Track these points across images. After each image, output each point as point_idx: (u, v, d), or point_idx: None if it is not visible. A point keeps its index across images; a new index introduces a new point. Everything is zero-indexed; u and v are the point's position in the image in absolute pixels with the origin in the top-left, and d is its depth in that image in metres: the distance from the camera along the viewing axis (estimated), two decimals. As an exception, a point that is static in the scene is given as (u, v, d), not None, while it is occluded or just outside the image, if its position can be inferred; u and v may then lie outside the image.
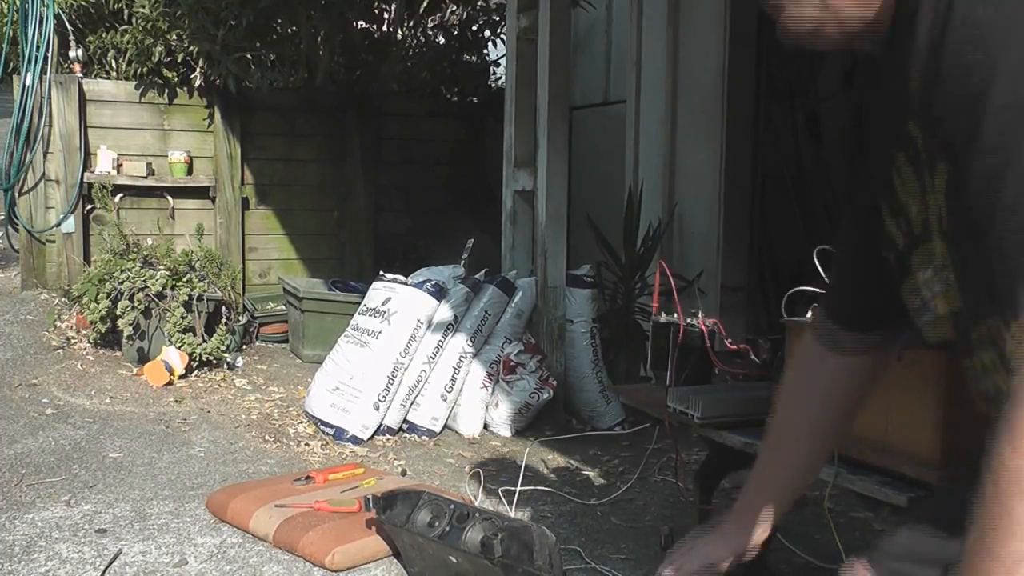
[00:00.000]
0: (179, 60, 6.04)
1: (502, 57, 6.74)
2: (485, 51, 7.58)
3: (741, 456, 2.45)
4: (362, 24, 6.95)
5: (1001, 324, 1.01)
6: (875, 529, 2.91)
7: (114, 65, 6.17)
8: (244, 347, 5.48)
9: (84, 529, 2.96)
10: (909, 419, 2.09)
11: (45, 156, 5.99)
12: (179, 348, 4.76)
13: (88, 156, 5.98)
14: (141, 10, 5.86)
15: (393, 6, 6.91)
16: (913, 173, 1.14)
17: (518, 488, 3.36)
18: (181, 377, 4.74)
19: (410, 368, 4.11)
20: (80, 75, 6.01)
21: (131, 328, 4.83)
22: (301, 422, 4.24)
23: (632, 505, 3.41)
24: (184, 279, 5.00)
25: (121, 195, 6.01)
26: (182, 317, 4.83)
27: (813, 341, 1.47)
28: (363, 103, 6.64)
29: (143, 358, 4.87)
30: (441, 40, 7.51)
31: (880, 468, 2.11)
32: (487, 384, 4.25)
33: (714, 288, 4.72)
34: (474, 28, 7.41)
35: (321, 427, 4.11)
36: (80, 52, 6.05)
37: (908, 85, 1.07)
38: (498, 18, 7.22)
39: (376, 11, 6.96)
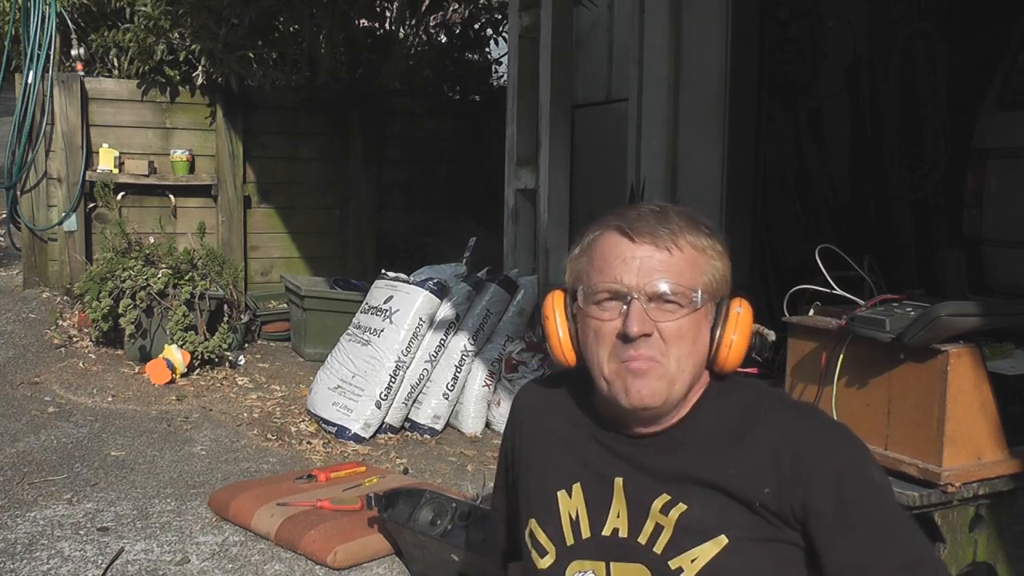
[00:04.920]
0: (181, 58, 6.04)
1: (504, 55, 6.74)
2: (487, 49, 7.59)
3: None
4: (364, 22, 6.95)
5: None
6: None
7: (116, 63, 6.17)
8: (246, 345, 5.48)
9: (86, 527, 2.97)
10: (911, 418, 2.09)
11: (47, 154, 5.99)
12: (181, 346, 4.76)
13: (90, 154, 5.98)
14: (143, 8, 5.86)
15: (395, 4, 6.91)
16: None
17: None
18: (183, 375, 4.74)
19: (412, 366, 4.11)
20: (82, 73, 6.01)
21: (133, 326, 4.83)
22: (303, 420, 4.24)
23: (634, 503, 3.40)
24: (186, 277, 5.00)
25: (123, 193, 6.02)
26: (184, 315, 4.83)
27: None
28: (365, 101, 6.64)
29: (145, 356, 4.88)
30: (443, 38, 7.52)
31: (881, 467, 2.11)
32: (489, 382, 4.25)
33: (716, 286, 4.71)
34: (476, 26, 7.42)
35: (323, 425, 4.11)
36: (82, 50, 6.05)
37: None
38: (500, 16, 7.23)
39: (378, 9, 6.97)
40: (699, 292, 1.35)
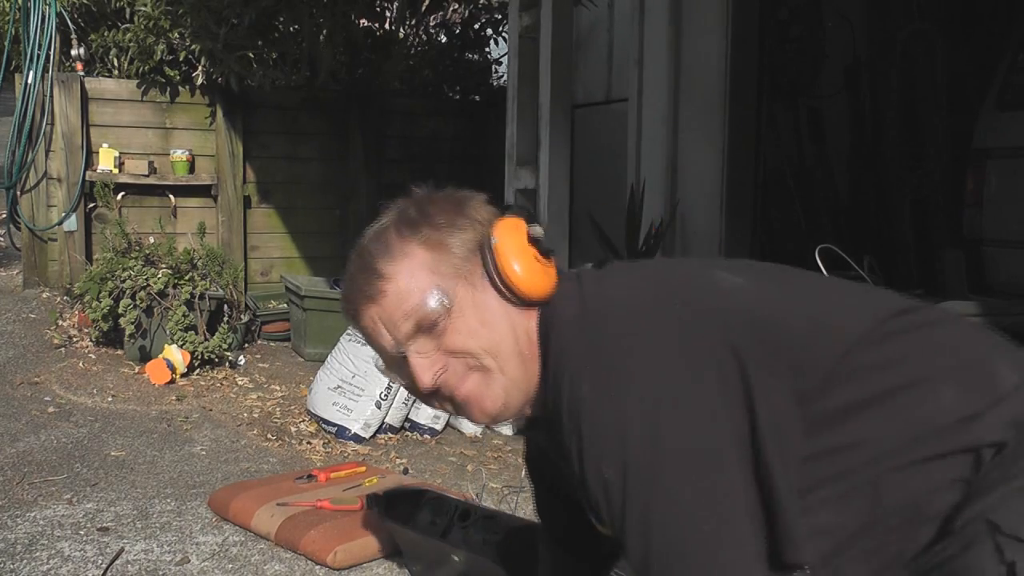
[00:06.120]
0: (181, 58, 6.04)
1: (504, 55, 6.74)
2: (487, 49, 7.59)
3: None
4: (364, 22, 6.95)
5: None
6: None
7: (116, 63, 6.17)
8: (246, 345, 5.48)
9: (86, 527, 2.96)
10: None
11: (47, 154, 5.99)
12: (181, 346, 4.76)
13: (90, 154, 5.98)
14: (143, 8, 5.86)
15: (395, 4, 6.91)
16: None
17: (520, 486, 3.36)
18: (183, 375, 4.74)
19: (412, 366, 4.11)
20: (82, 73, 6.01)
21: (133, 326, 4.83)
22: (303, 420, 4.24)
23: (634, 504, 3.40)
24: (186, 277, 5.00)
25: (123, 193, 6.01)
26: (184, 315, 4.83)
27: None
28: (365, 101, 6.64)
29: (145, 356, 4.88)
30: (443, 38, 7.52)
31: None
32: (489, 382, 4.24)
33: (716, 286, 4.71)
34: (476, 26, 7.42)
35: (323, 425, 4.11)
36: (82, 50, 6.05)
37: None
38: (500, 16, 7.22)
39: (378, 9, 6.96)
40: (443, 290, 1.20)
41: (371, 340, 1.27)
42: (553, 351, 1.19)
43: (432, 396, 1.25)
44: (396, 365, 1.25)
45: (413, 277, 1.21)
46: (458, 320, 1.20)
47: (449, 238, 1.24)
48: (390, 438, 4.08)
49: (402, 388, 4.08)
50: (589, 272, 1.27)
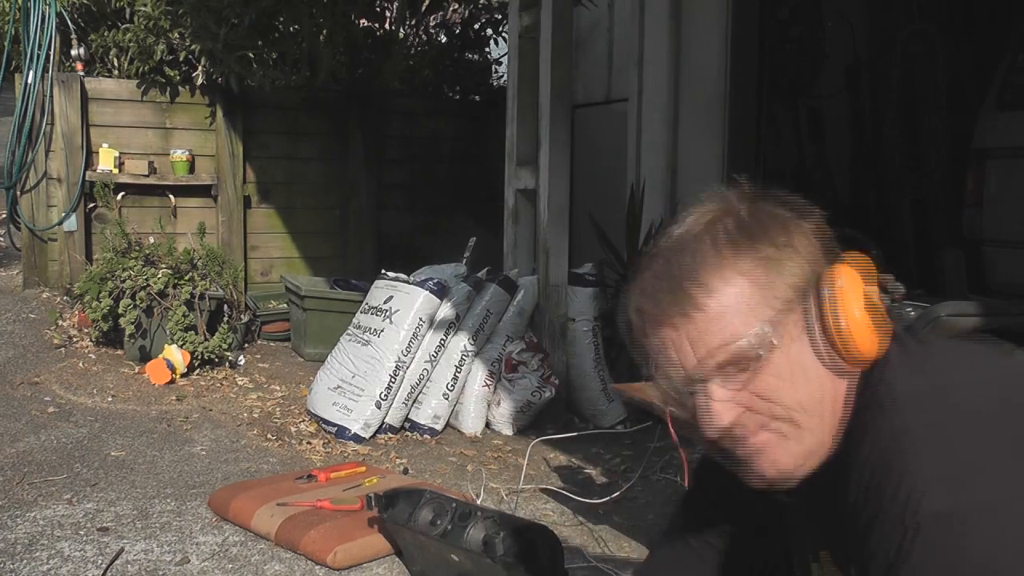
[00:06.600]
0: (181, 58, 6.04)
1: (504, 55, 6.74)
2: (487, 49, 7.60)
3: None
4: (364, 22, 6.95)
5: None
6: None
7: (116, 63, 6.17)
8: (246, 345, 5.48)
9: (86, 527, 2.96)
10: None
11: (47, 154, 5.99)
12: (181, 346, 4.76)
13: (90, 154, 5.98)
14: (143, 8, 5.86)
15: (395, 4, 6.92)
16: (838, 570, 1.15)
17: (520, 487, 3.36)
18: (183, 375, 4.74)
19: (412, 366, 4.11)
20: (82, 73, 6.01)
21: (133, 326, 4.83)
22: (303, 420, 4.24)
23: (634, 504, 3.41)
24: (186, 277, 5.00)
25: (123, 193, 6.02)
26: (184, 315, 4.83)
27: None
28: (365, 101, 6.65)
29: (145, 356, 4.87)
30: (443, 38, 7.53)
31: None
32: (489, 383, 4.25)
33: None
34: (476, 26, 7.43)
35: (323, 425, 4.11)
36: (82, 50, 6.05)
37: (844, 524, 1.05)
38: (500, 16, 7.23)
39: (378, 9, 6.97)
40: (773, 324, 1.04)
41: (660, 359, 1.09)
42: (885, 429, 1.02)
43: (717, 437, 1.09)
44: (679, 394, 1.09)
45: (743, 301, 1.05)
46: (778, 363, 1.05)
47: (774, 268, 1.07)
48: (390, 438, 4.08)
49: (402, 388, 4.08)
50: (909, 338, 1.11)
